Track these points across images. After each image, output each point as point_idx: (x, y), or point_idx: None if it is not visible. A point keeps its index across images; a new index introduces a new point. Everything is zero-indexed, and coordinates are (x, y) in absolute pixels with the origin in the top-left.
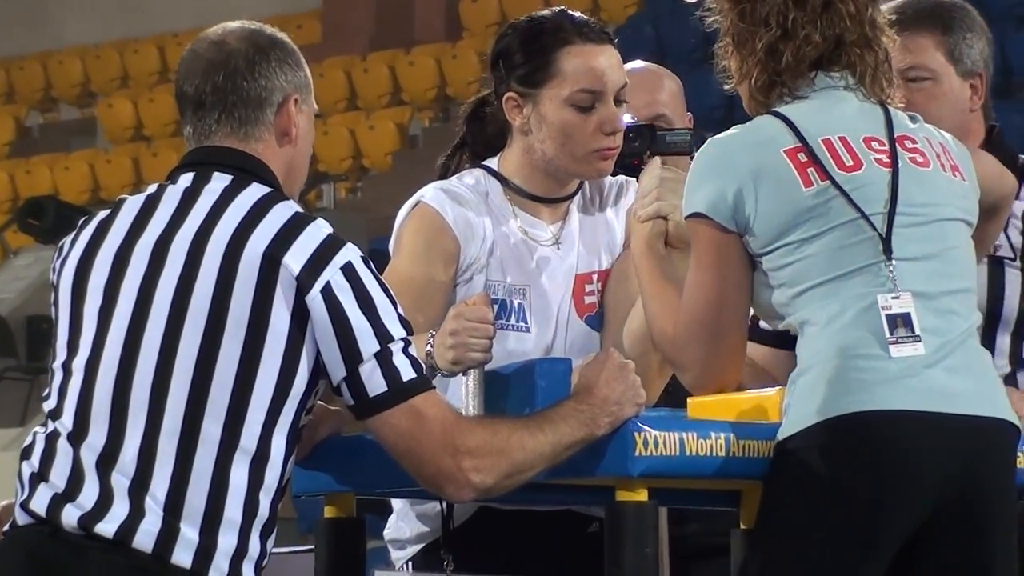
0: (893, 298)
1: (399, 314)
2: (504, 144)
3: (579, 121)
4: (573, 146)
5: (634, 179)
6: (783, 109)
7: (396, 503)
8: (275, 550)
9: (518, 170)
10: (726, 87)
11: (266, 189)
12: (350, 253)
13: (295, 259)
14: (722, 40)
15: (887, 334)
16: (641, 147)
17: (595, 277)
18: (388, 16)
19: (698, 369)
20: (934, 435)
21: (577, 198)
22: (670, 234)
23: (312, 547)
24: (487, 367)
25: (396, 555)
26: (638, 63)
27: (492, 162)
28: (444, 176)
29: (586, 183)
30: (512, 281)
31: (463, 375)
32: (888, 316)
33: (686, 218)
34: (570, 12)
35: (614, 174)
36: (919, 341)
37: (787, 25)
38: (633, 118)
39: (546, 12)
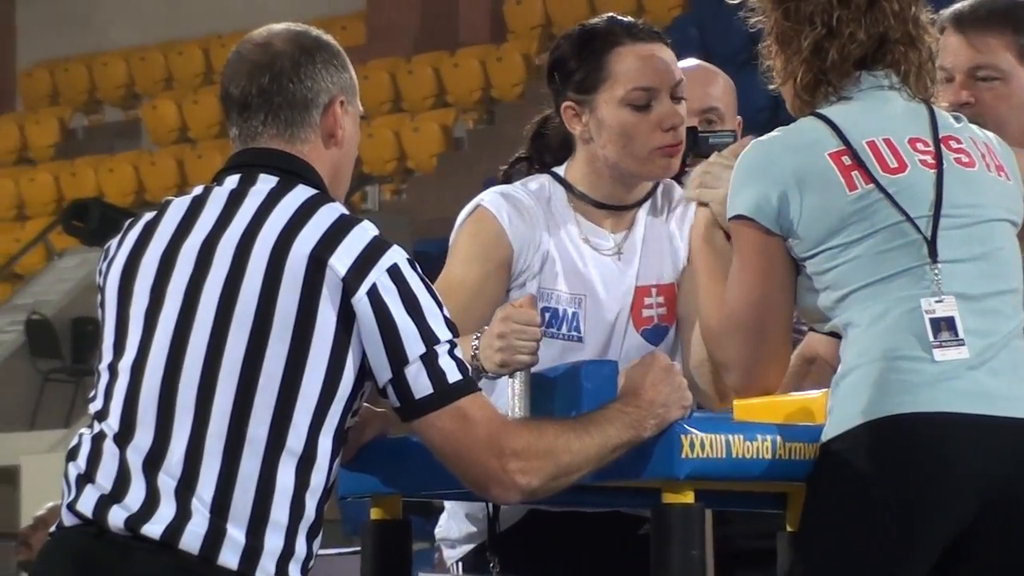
0: (937, 302)
1: (445, 316)
2: (568, 154)
3: (637, 120)
4: (634, 146)
5: None
6: (826, 110)
7: (447, 503)
8: (320, 552)
9: (583, 178)
10: (770, 87)
11: (312, 191)
12: (396, 255)
13: (341, 261)
14: (766, 40)
15: (931, 338)
16: (684, 149)
17: (655, 290)
18: (432, 18)
19: (740, 369)
20: (977, 437)
21: (645, 208)
22: (721, 223)
23: (358, 549)
24: (533, 369)
25: (447, 554)
26: (691, 61)
27: (560, 169)
28: (506, 182)
29: (657, 193)
30: (567, 290)
31: (509, 377)
32: (932, 320)
33: (729, 220)
34: (619, 17)
35: None
36: (963, 344)
37: (832, 23)
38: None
39: (596, 20)
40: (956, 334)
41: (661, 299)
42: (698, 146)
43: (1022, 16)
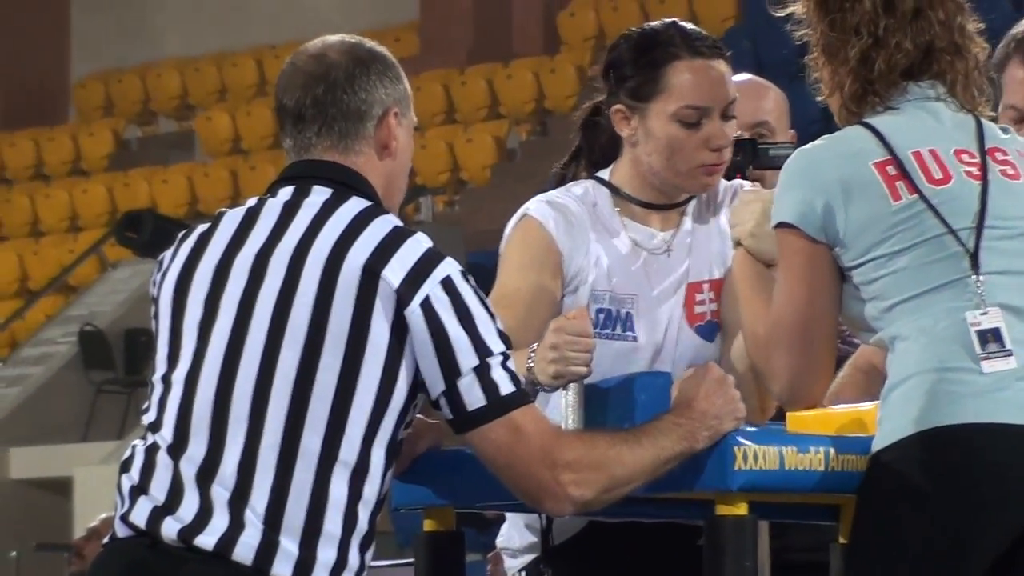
0: (981, 314)
1: (498, 328)
2: (617, 152)
3: (685, 136)
4: (678, 161)
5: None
6: (873, 120)
7: (508, 513)
8: (373, 563)
9: (629, 180)
10: (819, 99)
11: (366, 203)
12: (449, 267)
13: (394, 273)
14: (813, 51)
15: (978, 349)
16: (744, 161)
17: (706, 286)
18: (486, 29)
19: (785, 379)
20: None
21: (692, 205)
22: (756, 256)
23: (411, 560)
24: (587, 380)
25: (508, 563)
26: (743, 75)
27: (604, 173)
28: (560, 183)
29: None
30: (619, 290)
31: (563, 389)
32: (978, 332)
33: (775, 227)
34: (681, 24)
35: None
36: (1010, 355)
37: (878, 33)
38: (739, 132)
39: (658, 24)
40: (1003, 345)
41: (713, 295)
42: (758, 158)
43: None
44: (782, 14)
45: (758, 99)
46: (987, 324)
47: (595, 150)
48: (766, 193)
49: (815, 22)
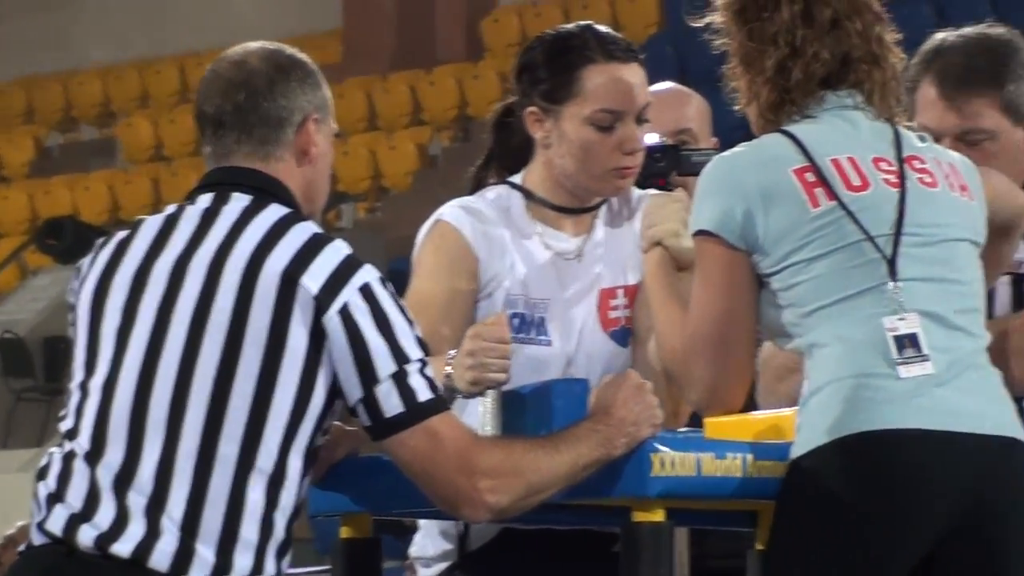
0: (899, 319)
1: (416, 335)
2: (531, 155)
3: (598, 140)
4: (591, 164)
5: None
6: (791, 128)
7: (421, 521)
8: (291, 571)
9: (541, 183)
10: (735, 108)
11: (285, 209)
12: (368, 274)
13: (313, 279)
14: (731, 61)
15: (895, 355)
16: (666, 167)
17: (620, 292)
18: (409, 36)
19: (703, 386)
20: (945, 454)
21: (603, 211)
22: (674, 258)
23: (328, 568)
24: (504, 387)
25: (422, 573)
26: (665, 83)
27: (516, 177)
28: (476, 188)
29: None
30: (533, 295)
31: (481, 395)
32: (895, 337)
33: (693, 235)
34: (596, 27)
35: None
36: (927, 360)
37: (796, 43)
38: (662, 138)
39: (573, 27)
40: (920, 350)
41: (627, 300)
42: (681, 164)
43: (1003, 65)
44: (700, 23)
45: (680, 106)
46: (904, 329)
47: (508, 152)
48: (678, 195)
49: (733, 32)
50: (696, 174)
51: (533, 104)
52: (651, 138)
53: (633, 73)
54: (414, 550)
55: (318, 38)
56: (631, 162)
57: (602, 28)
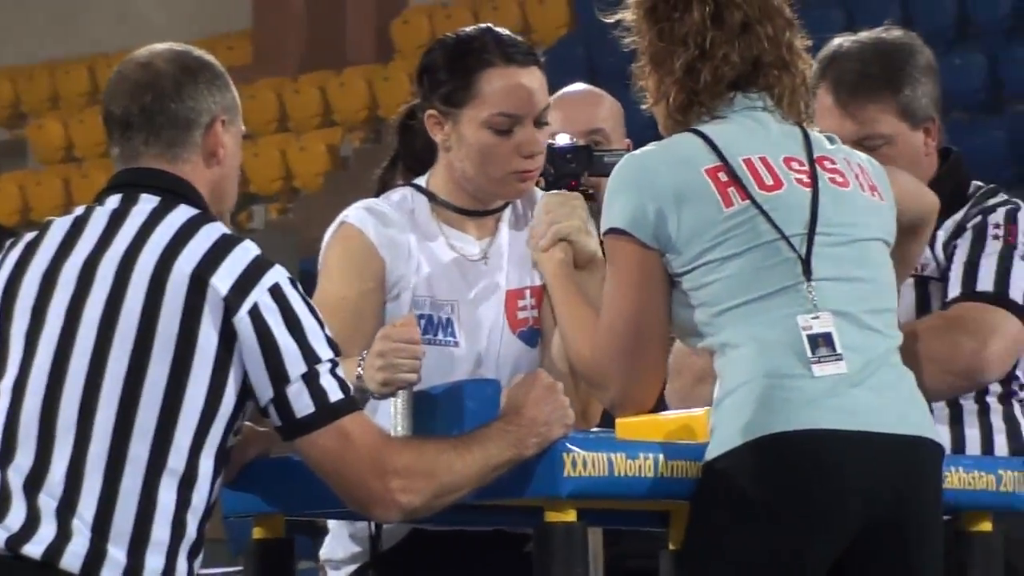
0: (813, 318)
1: (327, 335)
2: (435, 157)
3: (497, 143)
4: (491, 168)
5: None
6: (702, 127)
7: (331, 523)
8: (204, 571)
9: (444, 186)
10: (643, 107)
11: (194, 211)
12: (278, 274)
13: (222, 280)
14: (640, 60)
15: (809, 354)
16: (578, 168)
17: (528, 292)
18: (319, 37)
19: (616, 387)
20: (860, 454)
21: (507, 213)
22: (577, 254)
23: (241, 568)
24: (415, 388)
25: (332, 575)
26: (578, 85)
27: (421, 180)
28: (382, 190)
29: (517, 200)
30: (439, 296)
31: (392, 396)
32: (809, 336)
33: (604, 234)
34: (496, 30)
35: None
36: (841, 360)
37: (705, 45)
38: (572, 139)
39: (472, 30)
40: (834, 349)
41: (534, 301)
42: (593, 165)
43: (897, 70)
44: (611, 20)
45: (592, 107)
46: (818, 328)
47: (412, 154)
48: (575, 194)
49: (643, 30)
50: (608, 175)
51: (433, 107)
52: (562, 139)
53: (532, 77)
54: (324, 553)
55: (228, 39)
56: (530, 165)
57: (502, 31)
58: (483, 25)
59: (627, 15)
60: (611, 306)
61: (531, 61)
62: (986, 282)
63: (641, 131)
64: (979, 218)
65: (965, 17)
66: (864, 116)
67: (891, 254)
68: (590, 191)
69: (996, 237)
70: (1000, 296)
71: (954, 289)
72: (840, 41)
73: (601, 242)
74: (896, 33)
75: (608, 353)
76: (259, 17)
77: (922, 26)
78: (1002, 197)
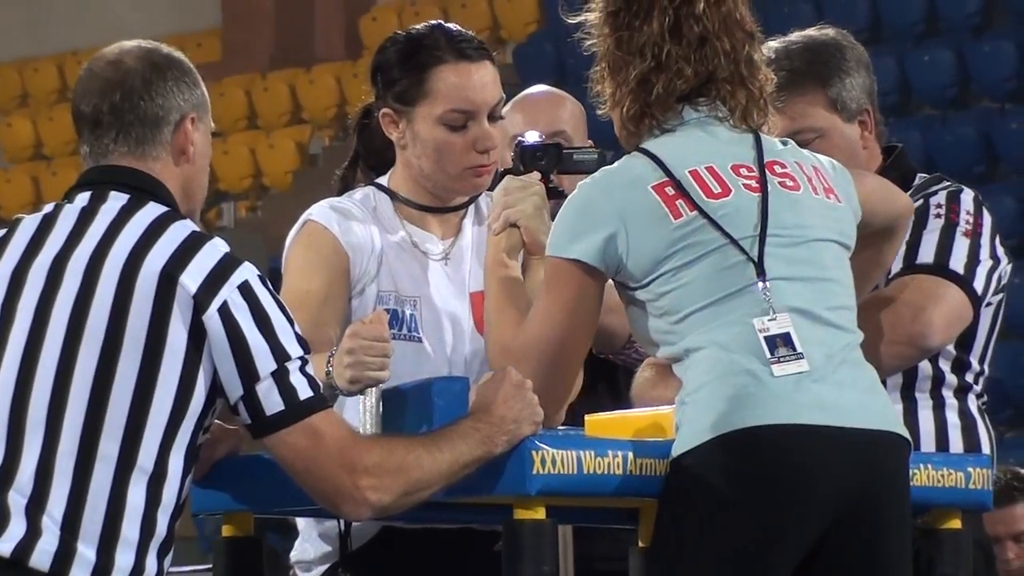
0: (770, 320)
1: (296, 333)
2: (394, 155)
3: (451, 140)
4: (447, 164)
5: None
6: (649, 145)
7: (301, 524)
8: (174, 569)
9: (404, 183)
10: (598, 112)
11: (163, 208)
12: (247, 272)
13: (192, 278)
14: (598, 64)
15: (768, 355)
16: (548, 166)
17: None
18: (288, 35)
19: None
20: (829, 448)
21: (470, 214)
22: (526, 241)
23: (211, 566)
24: (384, 385)
25: None
26: (540, 87)
27: (383, 179)
28: (343, 190)
29: (480, 200)
30: (403, 291)
31: (361, 394)
32: (767, 338)
33: (547, 254)
34: (446, 26)
35: None
36: (802, 358)
37: (661, 57)
38: (540, 136)
39: (423, 27)
40: (794, 349)
41: None
42: (563, 163)
43: (824, 64)
44: (575, 21)
45: (555, 109)
46: (775, 330)
47: (372, 153)
48: (533, 180)
49: (604, 36)
50: (578, 172)
51: (387, 106)
52: (532, 136)
53: (484, 71)
54: (295, 554)
55: (197, 37)
56: (486, 160)
57: (452, 27)
58: (433, 22)
59: (591, 17)
60: (539, 320)
61: (482, 56)
62: (927, 255)
63: (604, 131)
64: (921, 202)
65: (934, 13)
66: (794, 111)
67: (865, 255)
68: (560, 189)
69: (938, 216)
70: (940, 267)
71: (896, 266)
72: (771, 44)
73: None
74: (827, 31)
75: (524, 361)
76: (228, 14)
77: (891, 22)
78: (945, 183)
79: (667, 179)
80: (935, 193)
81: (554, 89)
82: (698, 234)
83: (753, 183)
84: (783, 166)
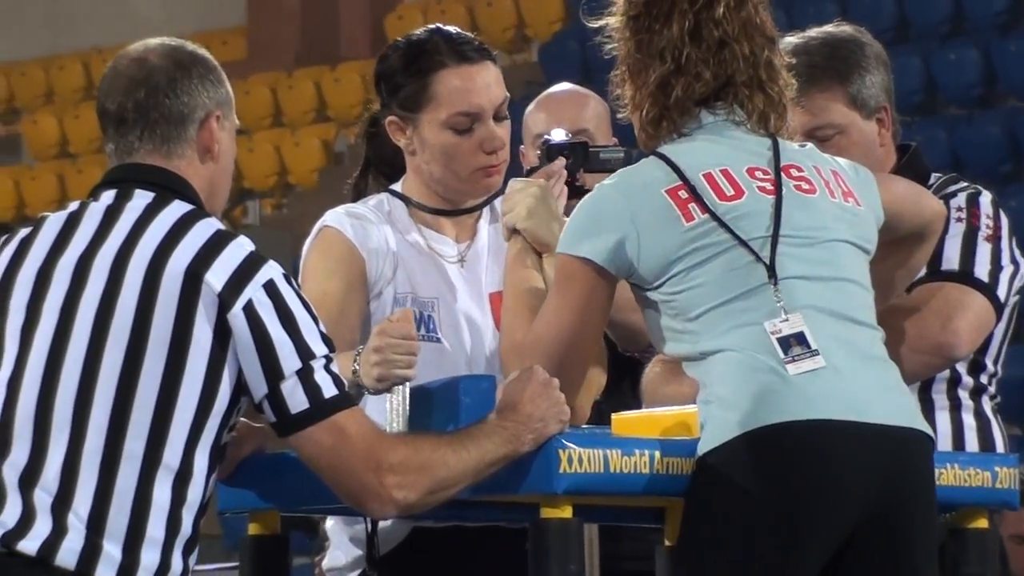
0: (781, 322)
1: (321, 331)
2: (401, 160)
3: (459, 143)
4: (456, 167)
5: None
6: (666, 149)
7: (330, 532)
8: (199, 567)
9: (416, 189)
10: (619, 116)
11: (188, 206)
12: (272, 270)
13: (217, 276)
14: (618, 68)
15: (782, 355)
16: (575, 164)
17: None
18: (313, 33)
19: None
20: (855, 444)
21: (486, 215)
22: (530, 242)
23: (236, 564)
24: (411, 384)
25: None
26: (564, 85)
27: (396, 185)
28: (356, 198)
29: (495, 202)
30: (420, 294)
31: (388, 392)
32: (780, 339)
33: (558, 253)
34: (445, 29)
35: None
36: (817, 355)
37: (681, 60)
38: (567, 135)
39: (422, 32)
40: (809, 347)
41: None
42: (589, 162)
43: (844, 61)
44: (597, 25)
45: (578, 107)
46: (788, 331)
47: (383, 160)
48: (537, 181)
49: (625, 39)
50: (604, 171)
51: (393, 113)
52: (558, 135)
53: (486, 73)
54: (327, 563)
55: (222, 34)
56: (495, 160)
57: (452, 30)
58: (432, 26)
59: (612, 20)
60: (548, 319)
61: (483, 57)
62: (951, 262)
63: (628, 130)
64: None
65: (960, 12)
66: (814, 106)
67: (893, 260)
68: (585, 188)
69: (959, 220)
70: (965, 275)
71: (920, 272)
72: (789, 39)
73: None
74: (845, 28)
75: (532, 359)
76: (254, 12)
77: (917, 21)
78: (962, 184)
79: (681, 183)
80: (954, 195)
81: (578, 87)
82: (709, 236)
83: (768, 185)
84: (800, 169)
